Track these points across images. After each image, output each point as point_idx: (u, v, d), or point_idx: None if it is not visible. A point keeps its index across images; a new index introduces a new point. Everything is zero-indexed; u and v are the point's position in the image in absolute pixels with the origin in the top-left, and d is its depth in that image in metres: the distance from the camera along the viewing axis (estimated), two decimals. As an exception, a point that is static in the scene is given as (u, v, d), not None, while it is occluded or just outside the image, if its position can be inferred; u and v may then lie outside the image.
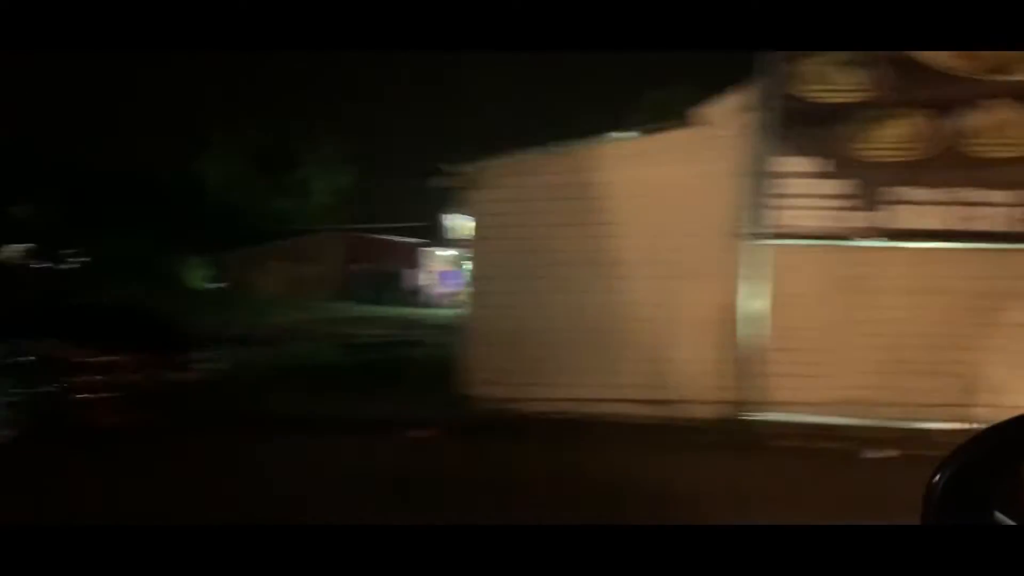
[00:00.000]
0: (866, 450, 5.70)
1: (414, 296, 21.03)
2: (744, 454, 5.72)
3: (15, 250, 21.62)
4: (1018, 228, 5.85)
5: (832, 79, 6.03)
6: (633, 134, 6.62)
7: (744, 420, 6.22)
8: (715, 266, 6.51)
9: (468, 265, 6.99)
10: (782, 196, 6.14)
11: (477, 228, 6.88)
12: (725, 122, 6.48)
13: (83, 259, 21.45)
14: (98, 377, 5.86)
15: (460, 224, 6.71)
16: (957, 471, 1.08)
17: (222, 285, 21.29)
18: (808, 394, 6.49)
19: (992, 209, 5.87)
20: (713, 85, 6.35)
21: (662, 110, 6.39)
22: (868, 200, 5.99)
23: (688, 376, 6.63)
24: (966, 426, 6.27)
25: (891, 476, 5.44)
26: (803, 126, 6.06)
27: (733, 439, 6.02)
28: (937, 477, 1.07)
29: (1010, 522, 1.01)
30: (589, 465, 5.21)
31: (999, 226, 5.87)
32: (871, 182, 5.98)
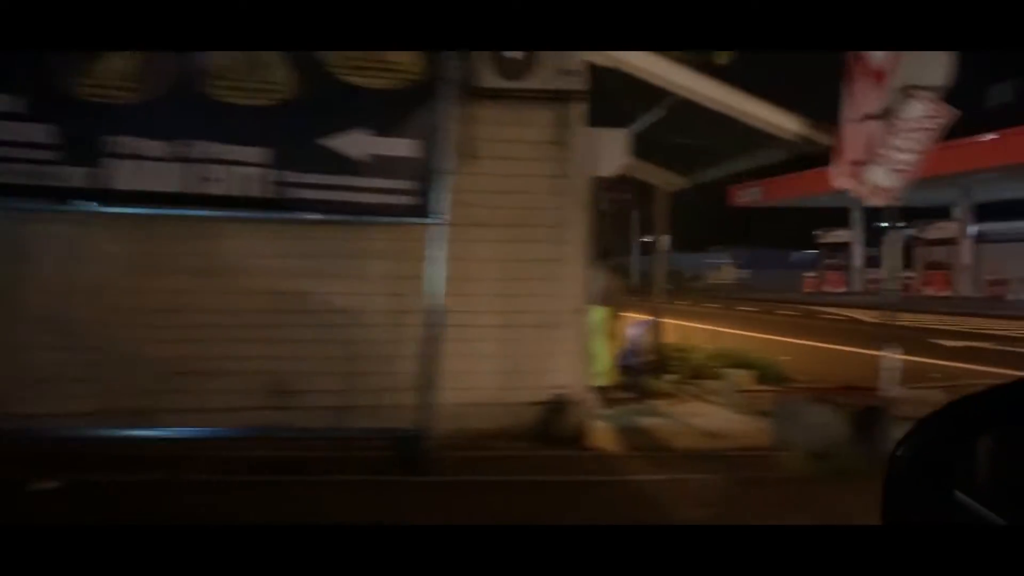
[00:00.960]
0: (36, 481, 4.33)
1: None
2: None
3: None
4: (278, 194, 4.81)
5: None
6: None
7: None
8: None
9: None
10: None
11: None
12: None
13: None
14: None
15: None
16: (916, 448, 1.04)
17: None
18: (72, 403, 5.04)
19: (245, 170, 4.76)
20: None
21: None
22: (86, 151, 4.60)
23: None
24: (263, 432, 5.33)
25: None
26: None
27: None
28: (897, 454, 1.02)
29: (969, 501, 0.96)
30: None
31: (257, 191, 4.79)
32: (92, 129, 4.60)
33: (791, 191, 30.35)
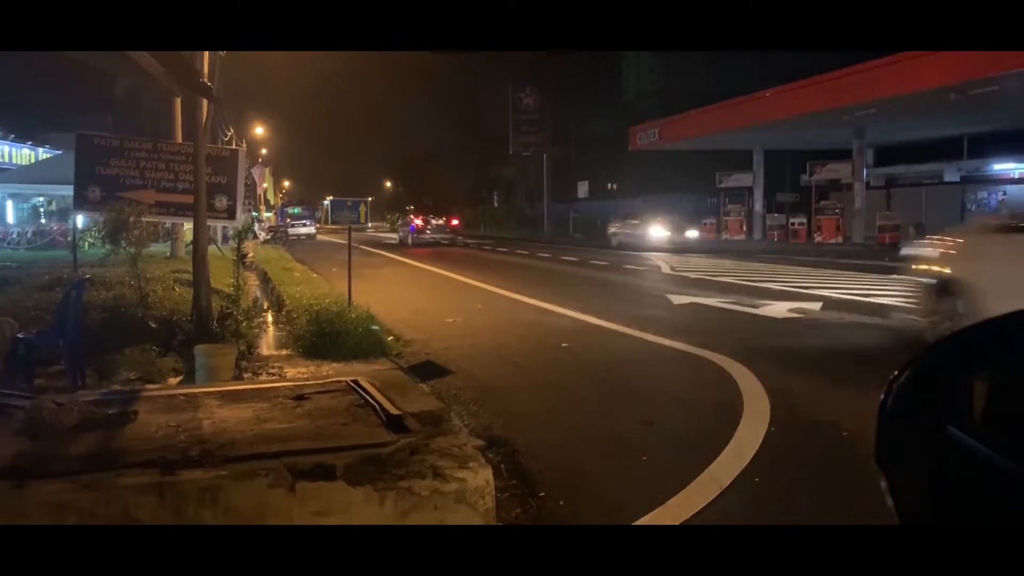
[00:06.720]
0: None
1: None
2: None
3: None
4: None
5: None
6: None
7: None
8: None
9: None
10: None
11: None
12: None
13: None
14: None
15: None
16: (910, 381, 1.02)
17: None
18: None
19: None
20: None
21: None
22: None
23: None
24: None
25: None
26: None
27: None
28: (891, 386, 1.03)
29: (962, 435, 0.95)
30: None
31: None
32: None
33: (686, 131, 28.72)
